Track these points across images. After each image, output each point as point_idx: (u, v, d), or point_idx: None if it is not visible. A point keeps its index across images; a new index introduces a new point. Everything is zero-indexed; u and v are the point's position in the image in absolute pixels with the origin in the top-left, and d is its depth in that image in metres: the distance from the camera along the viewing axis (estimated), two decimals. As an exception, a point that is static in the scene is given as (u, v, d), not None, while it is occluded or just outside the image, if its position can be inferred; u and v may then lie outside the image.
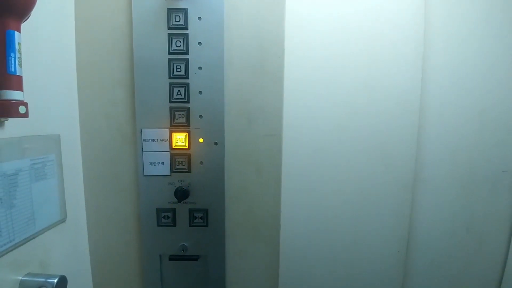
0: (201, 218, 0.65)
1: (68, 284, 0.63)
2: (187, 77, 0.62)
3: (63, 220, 0.60)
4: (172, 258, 0.67)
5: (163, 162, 0.64)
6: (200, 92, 0.63)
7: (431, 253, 0.84)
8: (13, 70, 0.39)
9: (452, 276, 0.85)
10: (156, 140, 0.64)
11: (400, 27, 0.74)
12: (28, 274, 0.48)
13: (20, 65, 0.40)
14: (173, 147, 0.64)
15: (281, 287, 0.71)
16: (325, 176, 0.76)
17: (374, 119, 0.76)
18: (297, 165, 0.75)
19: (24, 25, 0.42)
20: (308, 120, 0.73)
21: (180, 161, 0.64)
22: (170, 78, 0.62)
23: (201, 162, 0.64)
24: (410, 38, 0.74)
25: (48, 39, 0.55)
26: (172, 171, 0.64)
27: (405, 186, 0.79)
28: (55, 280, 0.47)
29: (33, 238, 0.52)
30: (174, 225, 0.66)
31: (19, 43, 0.40)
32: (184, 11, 0.61)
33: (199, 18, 0.61)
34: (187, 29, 0.61)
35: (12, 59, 0.39)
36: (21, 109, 0.41)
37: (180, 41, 0.61)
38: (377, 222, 0.79)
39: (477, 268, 0.86)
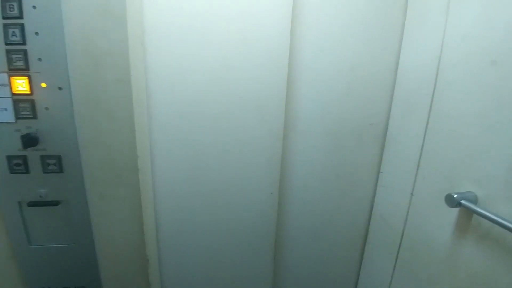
0: (54, 164, 0.66)
1: None
2: (21, 17, 0.59)
3: None
4: (31, 204, 0.68)
5: (6, 108, 0.62)
6: (37, 33, 0.60)
7: (305, 195, 0.93)
8: None
9: (324, 215, 0.96)
10: (-5, 85, 0.61)
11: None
12: None
13: None
14: (14, 92, 0.62)
15: (146, 230, 0.75)
16: (199, 126, 0.79)
17: (247, 72, 0.78)
18: (165, 114, 0.76)
19: None
20: (174, 69, 0.73)
21: (24, 107, 0.62)
22: (3, 18, 0.59)
23: (47, 108, 0.63)
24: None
25: None
26: (17, 117, 0.63)
27: (277, 136, 0.84)
28: None
29: None
30: (28, 172, 0.66)
31: None
32: None
33: (27, -51, 0.57)
34: (14, -39, 0.57)
35: None
36: None
37: (8, -24, 0.57)
38: (252, 168, 0.85)
39: (347, 208, 0.96)
